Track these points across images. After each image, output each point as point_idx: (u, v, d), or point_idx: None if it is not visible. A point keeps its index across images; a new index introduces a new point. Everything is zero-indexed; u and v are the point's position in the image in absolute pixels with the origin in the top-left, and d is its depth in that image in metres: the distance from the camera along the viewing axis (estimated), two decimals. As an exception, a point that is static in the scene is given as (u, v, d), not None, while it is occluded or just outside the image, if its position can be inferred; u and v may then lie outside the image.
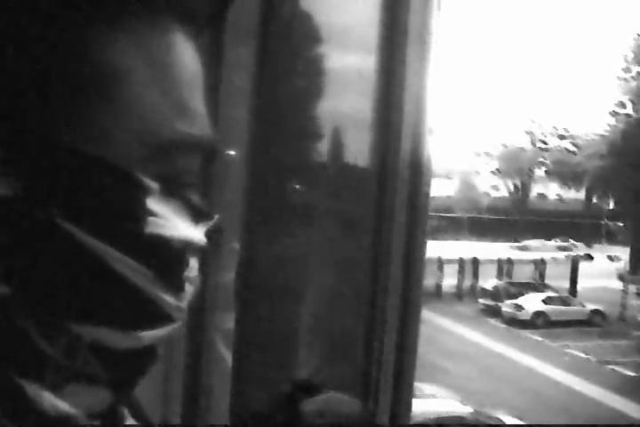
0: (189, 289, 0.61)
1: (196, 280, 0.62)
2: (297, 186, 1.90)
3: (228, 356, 1.64)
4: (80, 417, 0.55)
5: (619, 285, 32.23)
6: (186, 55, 0.60)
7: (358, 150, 1.74)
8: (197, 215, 0.61)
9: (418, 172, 1.55)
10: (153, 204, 0.56)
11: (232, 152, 1.88)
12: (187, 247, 0.59)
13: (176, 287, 0.59)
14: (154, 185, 0.56)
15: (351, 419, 0.71)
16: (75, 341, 0.54)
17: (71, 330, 0.54)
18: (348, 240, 1.77)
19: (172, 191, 0.58)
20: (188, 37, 0.60)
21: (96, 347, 0.55)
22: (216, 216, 0.64)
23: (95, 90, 0.54)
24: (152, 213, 0.56)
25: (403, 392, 1.50)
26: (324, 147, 1.86)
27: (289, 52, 1.80)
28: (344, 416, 0.70)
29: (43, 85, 0.54)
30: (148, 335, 0.58)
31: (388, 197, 1.55)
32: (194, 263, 0.61)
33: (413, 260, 1.56)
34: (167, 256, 0.58)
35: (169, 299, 0.58)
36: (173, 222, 0.58)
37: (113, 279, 0.55)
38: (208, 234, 0.62)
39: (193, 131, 0.59)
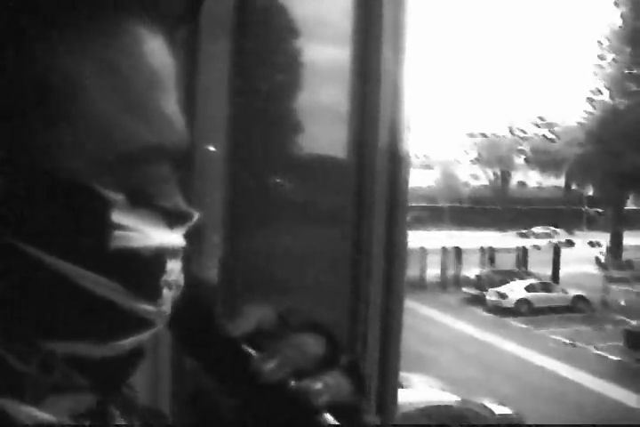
0: (169, 293, 0.60)
1: (177, 282, 0.61)
2: (278, 180, 1.90)
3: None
4: (64, 423, 0.55)
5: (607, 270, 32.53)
6: (155, 58, 0.56)
7: (336, 142, 1.74)
8: (172, 220, 0.59)
9: (396, 162, 1.56)
10: (118, 217, 0.54)
11: (212, 148, 1.88)
12: (162, 254, 0.58)
13: (152, 295, 0.58)
14: (118, 197, 0.54)
15: (318, 358, 0.68)
16: (48, 357, 0.54)
17: (43, 347, 0.54)
18: (330, 232, 1.77)
19: (141, 201, 0.56)
20: (158, 39, 0.57)
21: (72, 359, 0.55)
22: (195, 216, 0.62)
23: (47, 102, 0.51)
24: (118, 227, 0.54)
25: (388, 383, 1.51)
26: (302, 140, 1.86)
27: (265, 45, 1.80)
28: (307, 359, 0.67)
29: None
30: (128, 342, 0.57)
31: (367, 189, 1.55)
32: (173, 266, 0.60)
33: (395, 250, 1.57)
34: (138, 267, 0.57)
35: (145, 307, 0.57)
36: (144, 232, 0.56)
37: (79, 295, 0.54)
38: (188, 234, 0.61)
39: (162, 138, 0.56)
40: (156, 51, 0.56)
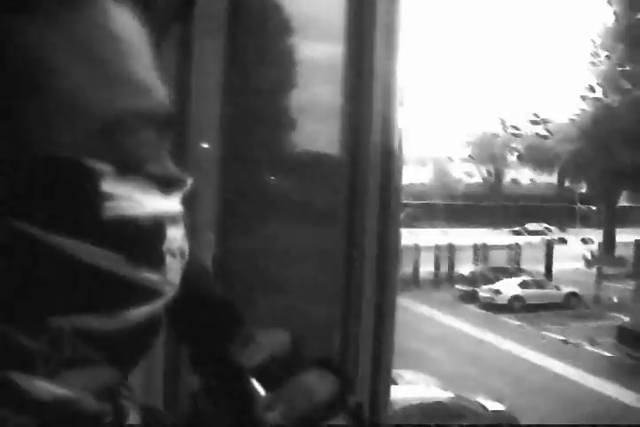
0: (174, 261, 0.60)
1: (181, 250, 0.61)
2: (271, 177, 1.90)
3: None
4: (81, 399, 0.55)
5: (595, 267, 32.60)
6: (124, 28, 0.56)
7: (330, 140, 1.74)
8: (166, 186, 0.59)
9: (390, 160, 1.56)
10: (109, 187, 0.54)
11: (205, 145, 1.88)
12: (160, 221, 0.58)
13: (155, 263, 0.58)
14: (106, 168, 0.54)
15: (285, 354, 0.68)
16: (57, 333, 0.54)
17: (51, 323, 0.54)
18: (323, 230, 1.78)
19: (131, 169, 0.56)
20: (125, 9, 0.57)
21: (83, 334, 0.55)
22: (189, 181, 0.62)
23: (19, 79, 0.52)
24: (110, 197, 0.54)
25: (381, 379, 1.51)
26: (296, 137, 1.86)
27: (259, 43, 1.80)
28: (275, 354, 0.67)
29: None
30: (136, 313, 0.57)
31: (360, 186, 1.56)
32: (174, 234, 0.60)
33: (388, 248, 1.58)
34: (137, 236, 0.56)
35: (150, 276, 0.57)
36: (138, 200, 0.56)
37: (81, 269, 0.54)
38: (184, 201, 0.61)
39: (139, 104, 0.56)
40: (125, 21, 0.57)
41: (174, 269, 0.60)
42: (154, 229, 0.58)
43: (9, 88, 0.51)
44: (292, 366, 0.67)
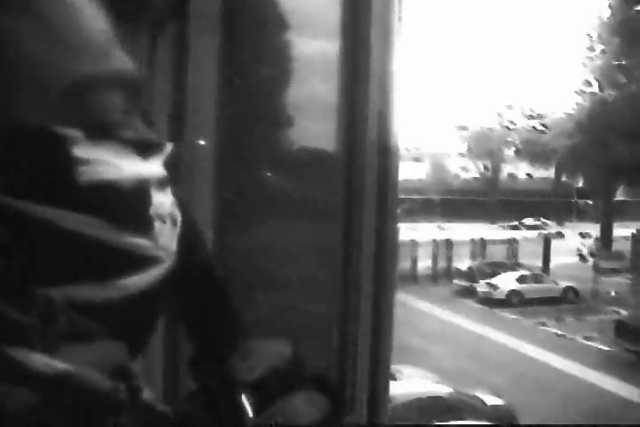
0: (164, 226, 0.59)
1: (172, 216, 0.60)
2: (268, 173, 1.90)
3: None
4: (85, 375, 0.53)
5: (590, 261, 32.66)
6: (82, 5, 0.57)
7: (326, 136, 1.74)
8: (143, 150, 0.58)
9: (386, 155, 1.56)
10: (81, 152, 0.53)
11: (202, 142, 1.88)
12: (143, 185, 0.57)
13: (143, 228, 0.57)
14: (75, 133, 0.54)
15: (286, 366, 0.67)
16: (48, 305, 0.52)
17: (38, 294, 0.52)
18: (321, 226, 1.78)
19: (100, 133, 0.55)
20: None
21: (76, 305, 0.53)
22: (168, 146, 0.61)
23: None
24: (83, 162, 0.53)
25: (380, 375, 1.51)
26: (292, 134, 1.86)
27: (254, 40, 1.79)
28: (275, 366, 0.66)
29: None
30: (132, 282, 0.56)
31: (357, 182, 1.56)
32: (161, 199, 0.59)
33: (386, 243, 1.57)
34: (118, 200, 0.55)
35: (138, 241, 0.56)
36: (114, 164, 0.55)
37: (65, 237, 0.53)
38: (167, 165, 0.60)
39: (97, 68, 0.56)
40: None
41: (166, 235, 0.58)
42: (136, 193, 0.56)
43: None
44: (291, 379, 0.66)
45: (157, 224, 0.58)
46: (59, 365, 0.52)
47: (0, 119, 0.52)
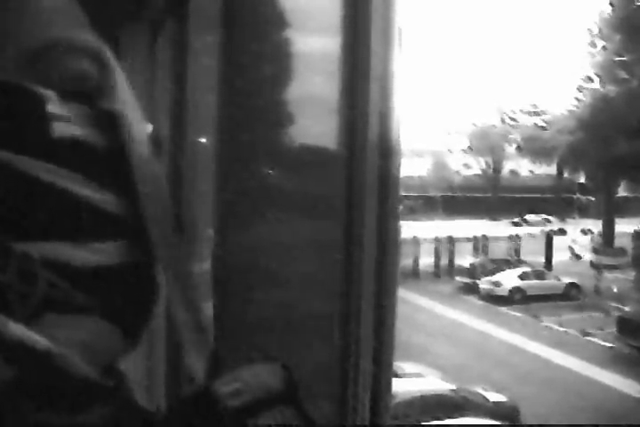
0: (148, 189, 0.58)
1: (157, 180, 0.60)
2: (269, 172, 1.90)
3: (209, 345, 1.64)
4: (67, 357, 0.50)
5: (592, 257, 32.66)
6: None
7: (327, 135, 1.74)
8: (111, 121, 0.58)
9: (387, 153, 1.55)
10: (54, 108, 0.54)
11: (203, 140, 1.87)
12: (120, 145, 0.57)
13: (122, 189, 0.56)
14: (49, 92, 0.55)
15: (274, 391, 0.65)
16: (25, 261, 0.50)
17: (14, 249, 0.50)
18: (322, 224, 1.77)
19: (70, 96, 0.56)
20: None
21: (55, 266, 0.51)
22: (148, 124, 0.61)
23: None
24: (56, 117, 0.54)
25: (382, 374, 1.51)
26: (293, 132, 1.86)
27: (254, 38, 1.79)
28: (264, 389, 0.64)
29: None
30: (110, 247, 0.54)
31: (358, 180, 1.55)
32: (141, 160, 0.59)
33: (387, 241, 1.57)
34: (93, 156, 0.55)
35: (116, 201, 0.55)
36: (85, 126, 0.55)
37: (38, 187, 0.52)
38: (153, 139, 0.60)
39: (59, 33, 0.58)
40: None
41: (151, 200, 0.57)
42: (112, 152, 0.56)
43: None
44: (276, 405, 0.65)
45: (139, 186, 0.57)
46: (41, 342, 0.49)
47: None
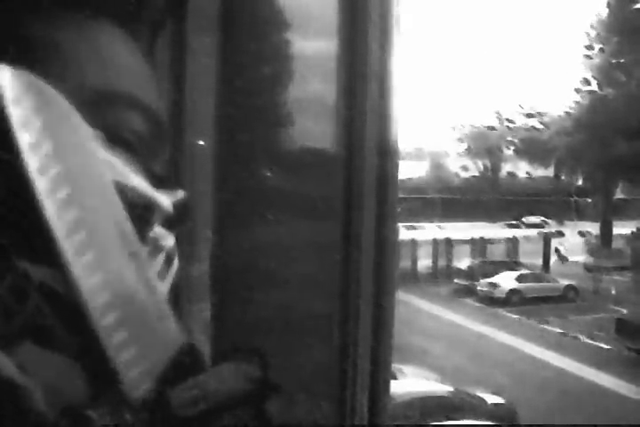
0: (156, 253, 0.58)
1: (169, 252, 0.60)
2: (268, 173, 1.90)
3: (206, 346, 1.64)
4: (29, 388, 0.47)
5: (590, 259, 32.67)
6: (121, 50, 0.63)
7: (325, 136, 1.74)
8: (152, 179, 0.59)
9: (385, 155, 1.55)
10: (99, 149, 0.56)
11: (201, 142, 1.87)
12: (146, 202, 0.57)
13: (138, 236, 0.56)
14: (98, 132, 0.56)
15: (236, 392, 0.64)
16: (22, 276, 0.49)
17: (17, 267, 0.49)
18: (320, 225, 1.77)
19: (117, 141, 0.57)
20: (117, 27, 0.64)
21: (49, 293, 0.50)
22: (180, 192, 0.62)
23: (28, 55, 0.57)
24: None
25: (380, 375, 1.51)
26: (291, 133, 1.86)
27: (253, 37, 1.79)
28: (224, 393, 0.62)
29: None
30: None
31: (356, 182, 1.55)
32: (161, 231, 0.59)
33: (386, 242, 1.57)
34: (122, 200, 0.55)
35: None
36: (120, 170, 0.56)
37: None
38: (177, 207, 0.61)
39: (125, 89, 0.60)
40: (116, 36, 0.65)
41: (154, 266, 0.58)
42: (137, 203, 0.57)
43: (27, 55, 0.57)
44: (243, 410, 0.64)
45: (150, 246, 0.58)
46: (9, 367, 0.46)
47: None
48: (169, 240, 0.60)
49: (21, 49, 0.59)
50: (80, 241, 0.50)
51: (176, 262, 0.61)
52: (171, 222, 0.61)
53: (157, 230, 0.59)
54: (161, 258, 0.59)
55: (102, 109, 0.58)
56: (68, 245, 0.50)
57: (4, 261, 0.49)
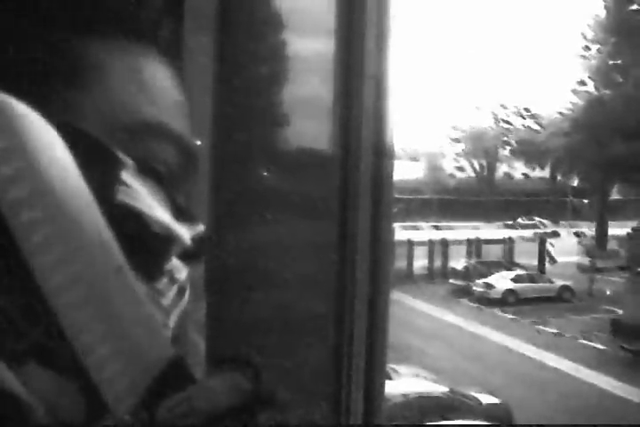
0: (169, 287, 0.59)
1: (181, 284, 0.60)
2: (265, 173, 1.90)
3: (201, 344, 1.64)
4: (34, 406, 0.48)
5: (585, 260, 32.69)
6: (162, 78, 0.65)
7: (322, 136, 1.74)
8: (175, 212, 0.59)
9: (381, 155, 1.56)
10: (127, 176, 0.56)
11: (198, 141, 1.87)
12: (166, 234, 0.58)
13: (151, 273, 0.57)
14: (129, 161, 0.57)
15: (225, 404, 0.64)
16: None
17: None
18: (317, 225, 1.78)
19: (147, 172, 0.58)
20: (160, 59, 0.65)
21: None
22: (200, 225, 0.62)
23: (73, 77, 0.58)
24: (126, 184, 0.56)
25: (375, 374, 1.51)
26: (287, 133, 1.86)
27: (250, 37, 1.79)
28: (213, 406, 0.62)
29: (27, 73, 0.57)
30: None
31: (352, 182, 1.56)
32: (178, 263, 0.59)
33: (381, 242, 1.58)
34: (138, 231, 0.56)
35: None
36: (148, 202, 0.57)
37: None
38: (195, 240, 0.61)
39: (160, 119, 0.61)
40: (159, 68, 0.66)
41: (167, 294, 0.59)
42: (157, 235, 0.57)
43: (58, 79, 0.58)
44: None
45: (165, 280, 0.58)
46: (16, 385, 0.48)
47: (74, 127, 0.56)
48: (183, 273, 0.61)
49: (71, 70, 0.59)
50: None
51: (187, 295, 0.62)
52: (187, 255, 0.61)
53: (174, 262, 0.60)
54: (174, 290, 0.60)
55: (137, 138, 0.59)
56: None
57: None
